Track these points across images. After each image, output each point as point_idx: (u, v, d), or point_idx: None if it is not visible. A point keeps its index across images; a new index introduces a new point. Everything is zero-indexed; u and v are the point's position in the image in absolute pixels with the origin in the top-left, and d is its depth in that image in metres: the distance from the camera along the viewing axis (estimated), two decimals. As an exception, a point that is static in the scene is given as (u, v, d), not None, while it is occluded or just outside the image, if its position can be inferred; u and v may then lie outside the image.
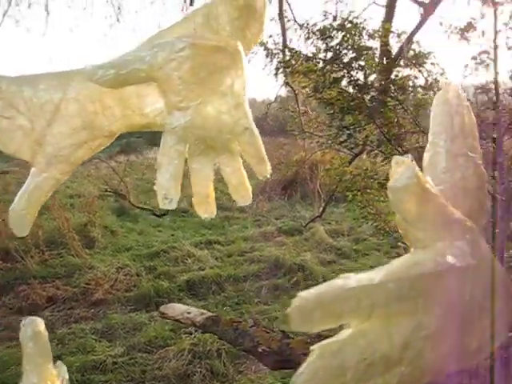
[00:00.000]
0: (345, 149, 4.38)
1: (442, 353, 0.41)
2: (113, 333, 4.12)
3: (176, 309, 2.16)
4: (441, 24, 3.34)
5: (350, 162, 4.46)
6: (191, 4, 6.39)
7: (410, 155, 0.42)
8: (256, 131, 0.58)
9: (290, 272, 5.22)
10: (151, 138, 10.30)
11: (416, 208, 0.40)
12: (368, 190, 3.69)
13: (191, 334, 3.95)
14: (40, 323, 0.62)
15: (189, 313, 2.05)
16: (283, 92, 7.10)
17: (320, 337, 1.63)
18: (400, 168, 0.41)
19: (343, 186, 3.90)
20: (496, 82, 2.99)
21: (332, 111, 3.45)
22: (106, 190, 6.83)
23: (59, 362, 0.63)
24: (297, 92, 6.04)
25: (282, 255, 5.52)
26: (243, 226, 6.51)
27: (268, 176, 0.62)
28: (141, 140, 11.24)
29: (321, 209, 6.06)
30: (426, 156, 0.47)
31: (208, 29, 0.59)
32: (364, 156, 4.54)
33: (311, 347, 0.41)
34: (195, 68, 0.55)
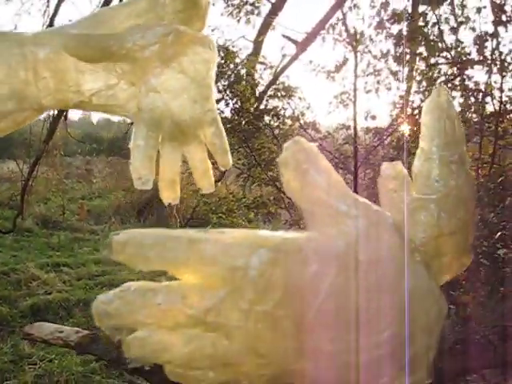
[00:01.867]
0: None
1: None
2: None
3: (44, 328, 1.99)
4: (310, 62, 3.69)
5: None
6: None
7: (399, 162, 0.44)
8: (221, 124, 0.61)
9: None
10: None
11: (300, 186, 0.39)
12: (234, 214, 3.82)
13: (35, 365, 3.60)
14: None
15: (60, 332, 1.91)
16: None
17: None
18: None
19: (208, 208, 3.99)
20: (355, 120, 3.39)
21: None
22: None
23: None
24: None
25: (136, 279, 5.38)
26: (94, 248, 6.18)
27: (229, 168, 0.66)
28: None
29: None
30: (417, 163, 0.45)
31: (153, 15, 0.59)
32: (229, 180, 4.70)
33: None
34: (176, 54, 0.56)
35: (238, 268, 0.36)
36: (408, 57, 3.57)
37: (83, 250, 6.08)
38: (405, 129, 3.93)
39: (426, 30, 3.15)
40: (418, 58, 3.42)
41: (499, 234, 2.23)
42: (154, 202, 7.08)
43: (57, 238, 6.17)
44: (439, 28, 3.08)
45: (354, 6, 3.36)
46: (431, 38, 3.20)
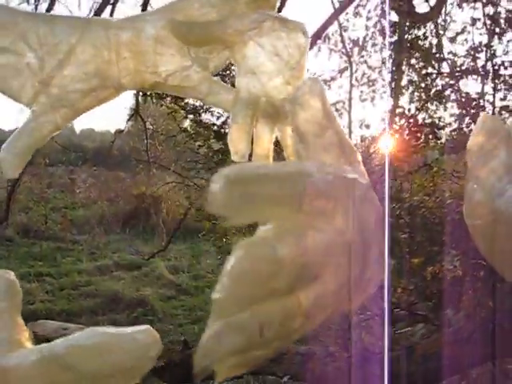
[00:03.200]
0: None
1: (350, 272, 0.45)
2: None
3: (48, 326, 1.96)
4: (307, 70, 3.73)
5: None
6: None
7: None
8: None
9: (129, 307, 5.02)
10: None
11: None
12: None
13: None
14: (13, 276, 0.60)
15: (65, 329, 1.88)
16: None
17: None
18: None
19: (201, 214, 3.97)
20: (350, 129, 3.45)
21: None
22: None
23: None
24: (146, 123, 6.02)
25: (120, 290, 5.31)
26: (77, 258, 6.07)
27: None
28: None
29: (163, 243, 6.00)
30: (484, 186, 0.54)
31: (227, 5, 0.64)
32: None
33: (238, 243, 0.40)
34: (273, 39, 0.62)
35: None
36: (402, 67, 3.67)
37: (66, 260, 5.96)
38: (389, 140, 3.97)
39: (420, 41, 3.25)
40: (410, 69, 3.52)
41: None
42: (139, 212, 7.01)
43: (38, 247, 6.04)
44: (439, 39, 3.18)
45: (357, 13, 3.42)
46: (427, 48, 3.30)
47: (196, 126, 3.67)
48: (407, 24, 3.65)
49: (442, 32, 3.22)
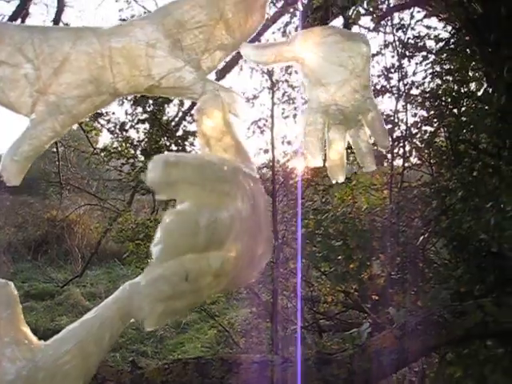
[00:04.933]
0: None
1: (246, 245, 0.53)
2: None
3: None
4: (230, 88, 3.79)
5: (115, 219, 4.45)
6: None
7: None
8: (379, 110, 0.72)
9: (44, 338, 4.70)
10: None
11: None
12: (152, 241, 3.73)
13: None
14: (11, 285, 0.60)
15: None
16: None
17: (178, 361, 1.64)
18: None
19: (124, 235, 3.86)
20: (272, 145, 3.56)
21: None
22: None
23: None
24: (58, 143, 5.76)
25: (33, 321, 4.96)
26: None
27: (388, 149, 0.79)
28: None
29: (79, 269, 5.72)
30: None
31: (214, 6, 0.66)
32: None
33: (164, 214, 0.48)
34: (337, 51, 0.68)
35: None
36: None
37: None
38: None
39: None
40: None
41: (421, 238, 2.48)
42: (50, 237, 6.61)
43: None
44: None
45: (284, 32, 3.55)
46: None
47: (122, 142, 3.58)
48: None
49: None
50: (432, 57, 3.05)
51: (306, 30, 0.69)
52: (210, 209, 0.49)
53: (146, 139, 3.44)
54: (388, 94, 3.24)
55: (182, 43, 0.64)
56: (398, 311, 1.69)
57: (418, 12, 3.13)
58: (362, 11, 2.73)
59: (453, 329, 1.53)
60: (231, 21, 0.66)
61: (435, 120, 3.02)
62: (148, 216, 4.66)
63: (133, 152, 3.56)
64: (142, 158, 3.66)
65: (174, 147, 3.39)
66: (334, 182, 0.74)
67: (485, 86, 2.84)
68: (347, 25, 3.87)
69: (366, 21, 3.14)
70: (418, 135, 3.25)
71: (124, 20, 3.74)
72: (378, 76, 3.29)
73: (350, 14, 2.76)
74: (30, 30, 0.60)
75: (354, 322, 3.42)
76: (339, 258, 2.40)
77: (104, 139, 4.81)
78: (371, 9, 2.71)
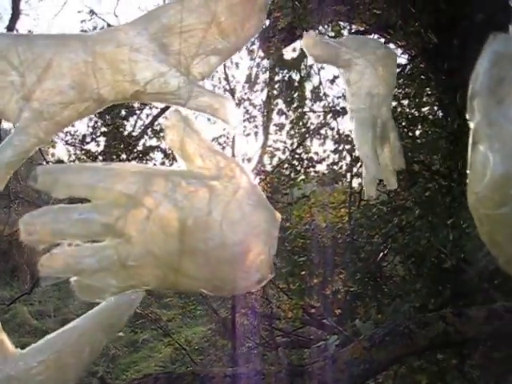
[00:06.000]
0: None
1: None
2: None
3: None
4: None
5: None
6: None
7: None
8: None
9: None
10: None
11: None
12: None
13: None
14: None
15: None
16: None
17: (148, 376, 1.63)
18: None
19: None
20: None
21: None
22: None
23: None
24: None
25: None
26: None
27: (404, 167, 0.86)
28: None
29: (27, 287, 5.47)
30: None
31: (205, 10, 0.64)
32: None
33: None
34: (384, 66, 0.77)
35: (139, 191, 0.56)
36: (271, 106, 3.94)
37: None
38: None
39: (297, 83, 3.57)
40: (288, 108, 3.81)
41: (381, 254, 2.57)
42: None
43: None
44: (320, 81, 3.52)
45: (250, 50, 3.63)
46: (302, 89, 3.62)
47: (82, 155, 3.51)
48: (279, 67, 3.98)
49: (317, 75, 3.58)
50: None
51: (360, 37, 0.74)
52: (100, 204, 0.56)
53: (105, 152, 3.39)
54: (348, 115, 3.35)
55: (169, 48, 0.63)
56: (364, 323, 1.75)
57: (378, 38, 3.29)
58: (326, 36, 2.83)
59: (418, 339, 1.60)
60: (224, 25, 0.64)
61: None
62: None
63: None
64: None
65: (137, 161, 3.36)
66: (389, 188, 0.80)
67: (438, 111, 3.01)
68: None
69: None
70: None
71: (86, 32, 3.71)
72: (338, 97, 3.42)
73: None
74: (15, 38, 0.61)
75: (313, 338, 3.47)
76: (303, 272, 2.45)
77: (58, 151, 4.68)
78: (334, 33, 2.83)
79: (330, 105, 3.43)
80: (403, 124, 3.19)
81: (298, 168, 3.76)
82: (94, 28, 3.64)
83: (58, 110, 0.60)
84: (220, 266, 0.57)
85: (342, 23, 3.01)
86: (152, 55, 0.62)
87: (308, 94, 3.80)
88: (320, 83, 3.44)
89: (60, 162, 3.81)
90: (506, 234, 0.43)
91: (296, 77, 3.79)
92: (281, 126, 3.91)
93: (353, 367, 1.55)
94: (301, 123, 3.72)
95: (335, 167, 3.51)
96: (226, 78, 3.70)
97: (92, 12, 3.74)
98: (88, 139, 3.41)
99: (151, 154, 3.55)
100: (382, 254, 2.55)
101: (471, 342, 1.95)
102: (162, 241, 0.55)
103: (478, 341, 2.08)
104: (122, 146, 3.36)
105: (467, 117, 0.47)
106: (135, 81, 0.62)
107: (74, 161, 3.62)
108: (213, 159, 0.61)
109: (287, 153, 3.74)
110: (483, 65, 0.46)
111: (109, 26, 3.56)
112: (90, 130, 3.39)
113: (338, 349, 1.79)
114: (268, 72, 3.95)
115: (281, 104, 3.87)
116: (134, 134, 3.62)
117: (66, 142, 3.53)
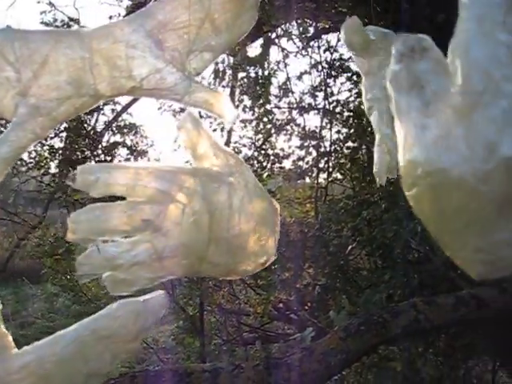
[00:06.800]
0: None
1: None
2: None
3: None
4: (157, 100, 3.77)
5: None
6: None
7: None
8: None
9: None
10: None
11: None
12: (73, 255, 3.58)
13: None
14: None
15: None
16: None
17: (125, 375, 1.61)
18: None
19: (41, 250, 3.66)
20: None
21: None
22: None
23: None
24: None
25: None
26: None
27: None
28: None
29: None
30: None
31: (199, 6, 0.65)
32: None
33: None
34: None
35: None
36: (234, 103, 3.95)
37: None
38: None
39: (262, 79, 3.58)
40: (254, 104, 3.83)
41: (350, 247, 2.63)
42: None
43: None
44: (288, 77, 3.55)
45: None
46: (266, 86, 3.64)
47: (43, 152, 3.40)
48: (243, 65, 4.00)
49: (283, 73, 3.61)
50: (355, 78, 3.27)
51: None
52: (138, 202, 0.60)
53: (68, 148, 3.31)
54: (314, 111, 3.41)
55: (164, 44, 0.64)
56: (338, 314, 1.79)
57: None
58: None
59: (391, 327, 1.65)
60: (218, 21, 0.65)
61: (357, 137, 3.23)
62: (60, 231, 4.45)
63: (55, 162, 3.40)
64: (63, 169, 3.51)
65: (101, 157, 3.29)
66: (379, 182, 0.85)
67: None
68: (268, 43, 4.03)
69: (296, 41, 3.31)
70: (341, 151, 3.45)
71: (46, 23, 3.61)
72: (305, 94, 3.46)
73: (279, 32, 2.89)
74: (11, 33, 0.60)
75: (281, 333, 3.51)
76: (275, 266, 2.47)
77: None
78: (301, 29, 2.86)
79: (297, 101, 3.47)
80: (368, 120, 3.27)
81: (265, 164, 3.78)
82: (55, 20, 3.54)
83: (55, 106, 0.60)
84: (238, 251, 0.63)
85: (308, 20, 3.05)
86: (148, 51, 0.63)
87: (274, 90, 3.83)
88: (288, 79, 3.48)
89: (19, 159, 3.67)
90: (418, 211, 0.50)
91: (261, 73, 3.81)
92: (247, 122, 3.93)
93: (330, 357, 1.59)
94: (266, 119, 3.74)
95: (301, 163, 3.56)
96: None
97: (51, 4, 3.64)
98: (50, 134, 3.31)
99: (115, 150, 3.49)
100: (350, 247, 2.60)
101: (437, 329, 2.03)
102: (194, 232, 0.60)
103: (442, 328, 2.17)
104: (85, 141, 3.28)
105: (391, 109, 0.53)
106: (132, 77, 0.62)
107: (35, 158, 3.51)
108: (223, 157, 0.65)
109: (253, 149, 3.76)
110: (391, 63, 0.53)
111: (70, 19, 3.48)
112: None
113: (314, 340, 1.82)
114: (232, 68, 3.95)
115: (246, 100, 3.89)
116: (98, 129, 3.55)
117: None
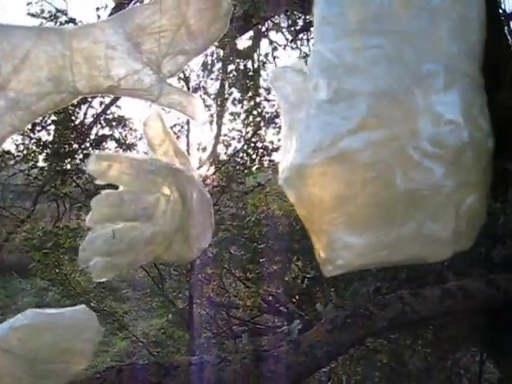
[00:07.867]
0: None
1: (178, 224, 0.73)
2: None
3: None
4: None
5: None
6: None
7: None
8: None
9: None
10: None
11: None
12: (62, 249, 3.56)
13: None
14: None
15: None
16: None
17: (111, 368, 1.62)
18: None
19: (29, 244, 3.63)
20: (188, 151, 3.56)
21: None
22: None
23: None
24: None
25: None
26: None
27: None
28: None
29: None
30: None
31: (177, 12, 0.69)
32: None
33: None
34: None
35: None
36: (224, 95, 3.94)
37: None
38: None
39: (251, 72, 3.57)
40: (242, 97, 3.81)
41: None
42: None
43: None
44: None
45: None
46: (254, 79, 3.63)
47: (30, 145, 3.37)
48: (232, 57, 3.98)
49: (273, 66, 3.60)
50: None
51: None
52: (138, 191, 0.67)
53: (57, 141, 3.28)
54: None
55: (142, 47, 0.67)
56: (326, 307, 1.79)
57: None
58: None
59: (378, 320, 1.65)
60: (193, 27, 0.69)
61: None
62: (49, 225, 4.43)
63: (42, 155, 3.37)
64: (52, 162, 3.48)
65: (89, 150, 3.27)
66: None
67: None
68: (258, 35, 4.01)
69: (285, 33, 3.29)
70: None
71: (33, 15, 3.56)
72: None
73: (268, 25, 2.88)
74: None
75: (270, 326, 3.52)
76: (263, 259, 2.47)
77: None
78: (290, 22, 2.84)
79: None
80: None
81: (254, 157, 3.77)
82: (42, 11, 3.50)
83: (35, 100, 0.62)
84: (192, 239, 0.72)
85: (297, 13, 3.03)
86: (127, 53, 0.66)
87: (264, 83, 3.82)
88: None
89: (6, 152, 3.65)
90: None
91: (251, 66, 3.80)
92: (236, 115, 3.92)
93: (316, 350, 1.59)
94: (255, 112, 3.73)
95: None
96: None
97: (37, -6, 3.59)
98: (38, 127, 3.29)
99: (104, 143, 3.47)
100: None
101: (424, 321, 2.04)
102: (171, 221, 0.68)
103: (430, 320, 2.18)
104: (73, 134, 3.26)
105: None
106: (110, 76, 0.66)
107: (22, 151, 3.48)
108: (182, 154, 0.75)
109: (242, 142, 3.75)
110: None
111: (57, 10, 3.44)
112: (40, 118, 3.27)
113: (301, 333, 1.83)
114: (221, 61, 3.93)
115: (236, 93, 3.87)
116: (86, 122, 3.53)
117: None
